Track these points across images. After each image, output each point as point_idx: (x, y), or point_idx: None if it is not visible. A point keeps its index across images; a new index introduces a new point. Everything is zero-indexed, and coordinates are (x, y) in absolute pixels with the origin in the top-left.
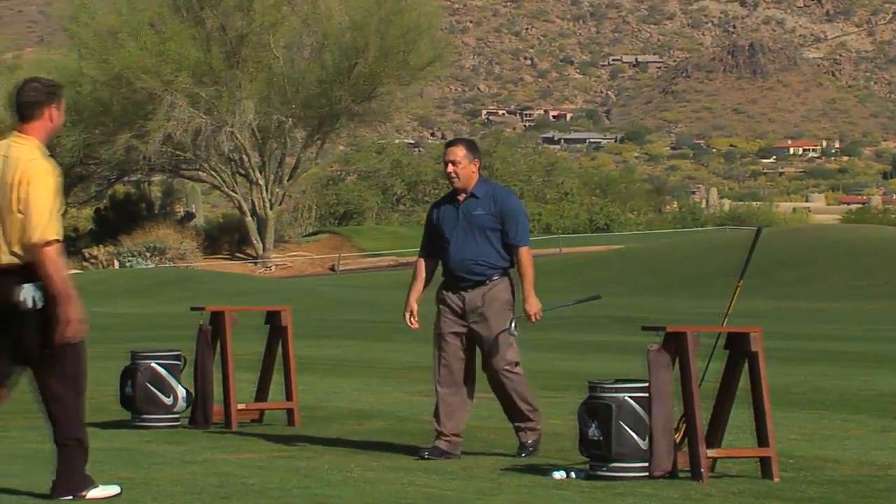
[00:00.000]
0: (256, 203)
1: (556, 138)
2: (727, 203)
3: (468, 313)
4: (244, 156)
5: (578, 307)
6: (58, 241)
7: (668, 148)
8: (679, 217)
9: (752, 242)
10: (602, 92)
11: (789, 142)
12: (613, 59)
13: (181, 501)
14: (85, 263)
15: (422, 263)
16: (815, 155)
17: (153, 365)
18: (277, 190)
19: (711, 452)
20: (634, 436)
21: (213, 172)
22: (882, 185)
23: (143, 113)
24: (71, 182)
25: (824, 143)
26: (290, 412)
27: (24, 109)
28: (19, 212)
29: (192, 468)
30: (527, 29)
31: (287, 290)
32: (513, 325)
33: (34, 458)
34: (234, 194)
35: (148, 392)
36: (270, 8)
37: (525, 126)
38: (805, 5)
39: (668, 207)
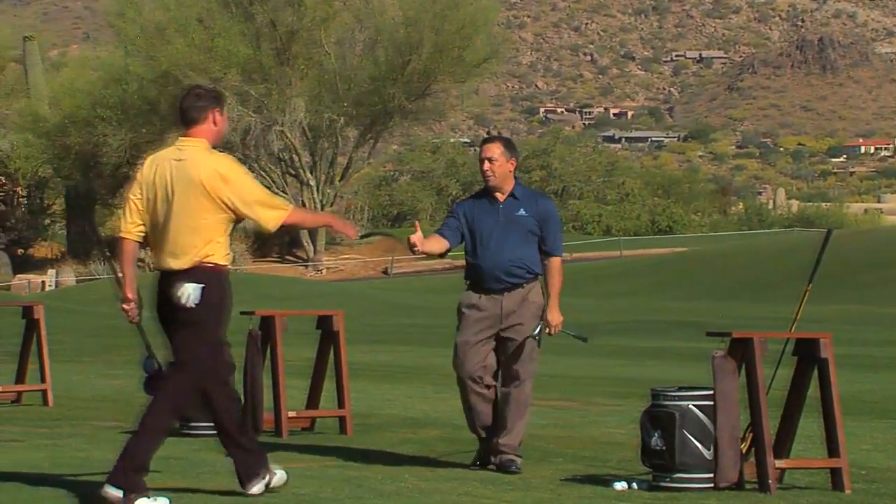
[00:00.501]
0: (307, 204)
1: (616, 137)
2: (795, 204)
3: (504, 318)
4: (294, 155)
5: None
6: (286, 211)
7: (734, 147)
8: (745, 219)
9: (821, 245)
10: (665, 89)
11: (860, 140)
12: (676, 55)
13: None
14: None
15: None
16: (888, 154)
17: None
18: (329, 190)
19: (779, 463)
20: (699, 445)
21: (262, 172)
22: None
23: None
24: (117, 183)
25: None
26: (342, 420)
27: (189, 114)
28: (232, 209)
29: None
30: (586, 24)
31: (339, 293)
32: (537, 330)
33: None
34: (284, 195)
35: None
36: (322, 3)
37: (584, 124)
38: None
39: (733, 209)
